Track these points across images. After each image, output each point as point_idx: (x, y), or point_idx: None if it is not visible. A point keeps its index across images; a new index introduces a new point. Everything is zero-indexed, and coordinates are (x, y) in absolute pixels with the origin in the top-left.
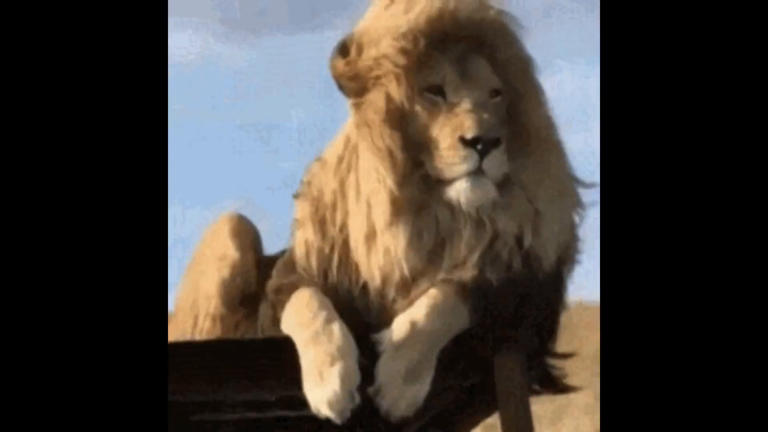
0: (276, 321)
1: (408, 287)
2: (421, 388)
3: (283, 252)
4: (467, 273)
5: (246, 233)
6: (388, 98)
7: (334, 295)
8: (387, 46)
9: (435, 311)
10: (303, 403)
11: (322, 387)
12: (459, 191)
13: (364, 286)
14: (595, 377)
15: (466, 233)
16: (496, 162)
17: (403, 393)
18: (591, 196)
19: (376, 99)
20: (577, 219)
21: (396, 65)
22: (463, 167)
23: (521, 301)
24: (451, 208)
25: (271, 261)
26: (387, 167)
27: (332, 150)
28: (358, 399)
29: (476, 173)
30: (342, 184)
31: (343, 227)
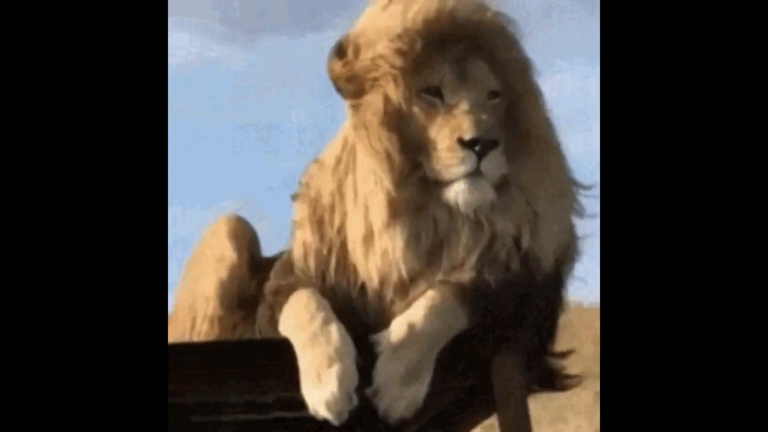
0: (274, 322)
1: (406, 289)
2: (420, 390)
3: (281, 253)
4: (465, 274)
5: (244, 235)
6: (386, 100)
7: (332, 297)
8: (384, 47)
9: (433, 313)
10: (303, 404)
11: (320, 388)
12: (457, 193)
13: (362, 288)
14: (595, 378)
15: (464, 235)
16: (495, 163)
17: (401, 394)
18: (591, 196)
19: (373, 100)
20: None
21: (393, 66)
22: (461, 169)
23: (521, 301)
24: (449, 209)
25: (270, 263)
26: (384, 169)
27: (330, 151)
28: (356, 400)
29: (474, 175)
30: (340, 185)
31: (341, 229)
